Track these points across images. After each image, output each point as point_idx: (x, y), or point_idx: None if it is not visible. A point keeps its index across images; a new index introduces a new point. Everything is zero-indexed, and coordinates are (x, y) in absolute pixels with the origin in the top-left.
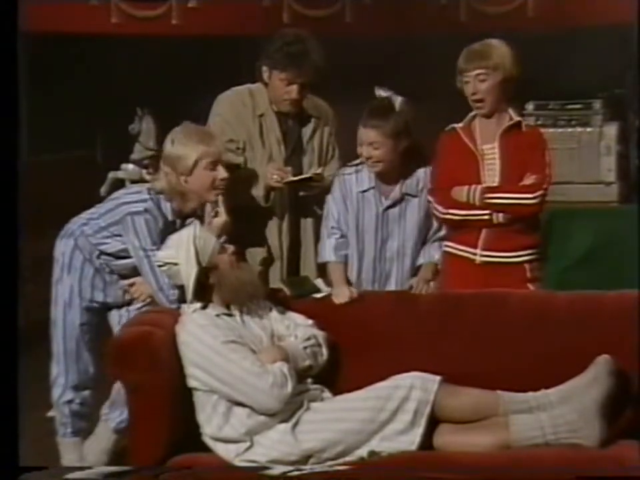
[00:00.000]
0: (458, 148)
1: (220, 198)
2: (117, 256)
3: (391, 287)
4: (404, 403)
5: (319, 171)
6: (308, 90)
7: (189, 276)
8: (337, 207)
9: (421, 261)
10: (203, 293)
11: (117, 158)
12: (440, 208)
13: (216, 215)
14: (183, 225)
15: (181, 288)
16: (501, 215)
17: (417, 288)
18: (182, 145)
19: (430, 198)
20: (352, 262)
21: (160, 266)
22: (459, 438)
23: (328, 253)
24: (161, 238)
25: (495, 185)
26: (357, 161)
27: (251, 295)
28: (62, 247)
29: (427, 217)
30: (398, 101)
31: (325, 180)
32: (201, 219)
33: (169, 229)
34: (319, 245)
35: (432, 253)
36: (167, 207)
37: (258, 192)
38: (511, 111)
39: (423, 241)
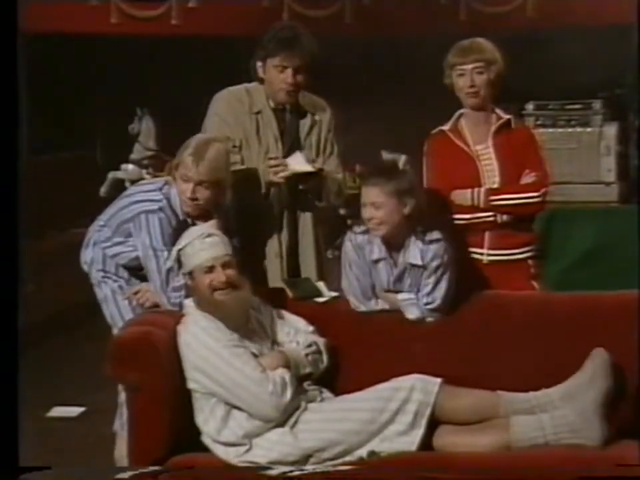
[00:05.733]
0: (451, 150)
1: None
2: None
3: None
4: (405, 404)
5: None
6: (303, 77)
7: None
8: (363, 270)
9: None
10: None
11: (116, 158)
12: None
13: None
14: (194, 224)
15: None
16: (505, 215)
17: None
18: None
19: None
20: None
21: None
22: (460, 439)
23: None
24: (172, 238)
25: (496, 185)
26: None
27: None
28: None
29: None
30: (402, 159)
31: (325, 176)
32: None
33: (181, 228)
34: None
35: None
36: (177, 206)
37: (257, 189)
38: (498, 110)
39: None
